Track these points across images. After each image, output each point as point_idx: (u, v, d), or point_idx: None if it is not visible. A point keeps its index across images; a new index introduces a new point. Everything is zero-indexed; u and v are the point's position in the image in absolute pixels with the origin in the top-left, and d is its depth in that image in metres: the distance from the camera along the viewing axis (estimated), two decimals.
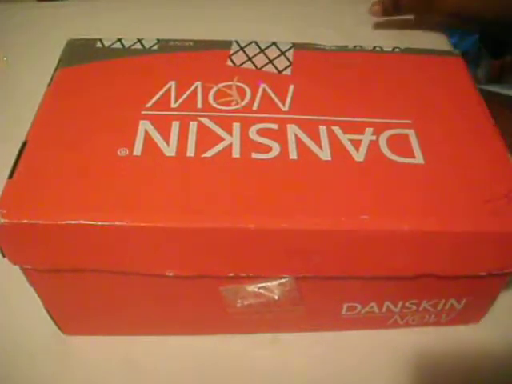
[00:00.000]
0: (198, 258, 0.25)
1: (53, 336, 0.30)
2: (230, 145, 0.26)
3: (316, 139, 0.27)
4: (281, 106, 0.28)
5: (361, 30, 0.53)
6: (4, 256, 0.24)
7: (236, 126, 0.27)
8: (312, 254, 0.24)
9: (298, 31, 0.44)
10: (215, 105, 0.28)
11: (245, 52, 0.32)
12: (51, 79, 0.29)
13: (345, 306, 0.29)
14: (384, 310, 0.29)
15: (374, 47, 0.33)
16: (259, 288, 0.27)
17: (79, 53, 0.31)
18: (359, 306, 0.29)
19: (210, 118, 0.27)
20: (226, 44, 0.32)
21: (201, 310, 0.29)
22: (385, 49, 0.33)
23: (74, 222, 0.23)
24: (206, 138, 0.26)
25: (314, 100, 0.29)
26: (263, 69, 0.31)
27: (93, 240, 0.23)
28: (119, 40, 0.32)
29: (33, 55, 0.49)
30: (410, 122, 0.28)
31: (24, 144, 0.25)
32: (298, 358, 0.30)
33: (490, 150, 0.27)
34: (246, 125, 0.27)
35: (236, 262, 0.25)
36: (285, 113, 0.28)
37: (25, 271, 0.25)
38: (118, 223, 0.23)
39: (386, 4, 0.51)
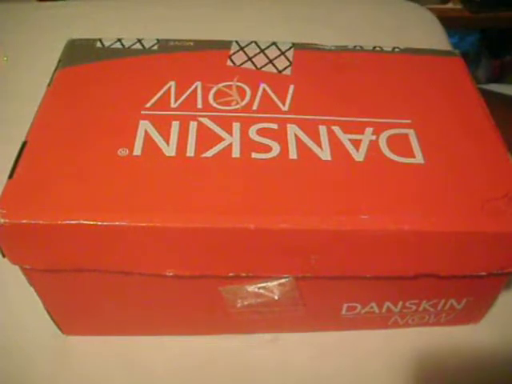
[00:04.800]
0: (198, 258, 0.25)
1: (53, 336, 0.30)
2: (230, 145, 0.26)
3: (316, 139, 0.27)
4: (281, 105, 0.28)
5: (361, 30, 0.53)
6: (4, 256, 0.24)
7: (236, 126, 0.27)
8: (312, 254, 0.24)
9: (298, 31, 0.44)
10: (215, 105, 0.28)
11: (245, 52, 0.32)
12: (51, 79, 0.29)
13: (345, 306, 0.29)
14: (384, 310, 0.29)
15: (374, 47, 0.33)
16: (259, 288, 0.27)
17: (79, 53, 0.31)
18: (359, 306, 0.29)
19: (209, 117, 0.27)
20: (226, 44, 0.32)
21: (201, 310, 0.29)
22: (385, 49, 0.33)
23: (74, 221, 0.23)
24: (206, 138, 0.26)
25: (313, 100, 0.29)
26: (263, 69, 0.31)
27: (93, 240, 0.23)
28: (119, 40, 0.32)
29: (33, 55, 0.49)
30: (409, 121, 0.28)
31: (24, 144, 0.25)
32: (298, 358, 0.30)
33: (490, 150, 0.27)
34: (245, 125, 0.27)
35: (236, 261, 0.25)
36: (285, 113, 0.28)
37: (25, 271, 0.25)
38: (117, 223, 0.23)
39: None
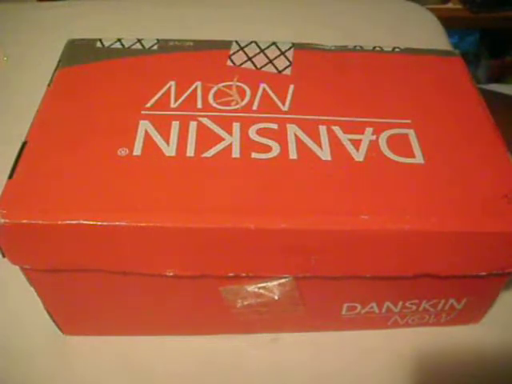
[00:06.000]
0: (198, 258, 0.25)
1: (53, 336, 0.30)
2: (230, 145, 0.26)
3: (316, 139, 0.27)
4: (281, 105, 0.28)
5: (361, 30, 0.53)
6: (4, 256, 0.24)
7: (236, 126, 0.27)
8: (312, 254, 0.24)
9: (298, 31, 0.44)
10: (215, 105, 0.28)
11: (245, 52, 0.32)
12: (51, 79, 0.29)
13: (345, 306, 0.29)
14: (384, 310, 0.29)
15: (374, 47, 0.33)
16: (259, 288, 0.27)
17: (79, 53, 0.31)
18: (359, 306, 0.29)
19: (209, 117, 0.27)
20: (226, 44, 0.32)
21: (201, 310, 0.29)
22: (385, 49, 0.33)
23: (74, 221, 0.23)
24: (206, 138, 0.26)
25: (313, 100, 0.29)
26: (263, 69, 0.31)
27: (93, 240, 0.23)
28: (119, 40, 0.32)
29: (33, 55, 0.49)
30: (409, 121, 0.28)
31: (24, 144, 0.25)
32: (298, 358, 0.30)
33: (490, 149, 0.27)
34: (245, 125, 0.27)
35: (236, 261, 0.25)
36: (285, 113, 0.28)
37: (25, 271, 0.25)
38: (117, 223, 0.23)
39: None
